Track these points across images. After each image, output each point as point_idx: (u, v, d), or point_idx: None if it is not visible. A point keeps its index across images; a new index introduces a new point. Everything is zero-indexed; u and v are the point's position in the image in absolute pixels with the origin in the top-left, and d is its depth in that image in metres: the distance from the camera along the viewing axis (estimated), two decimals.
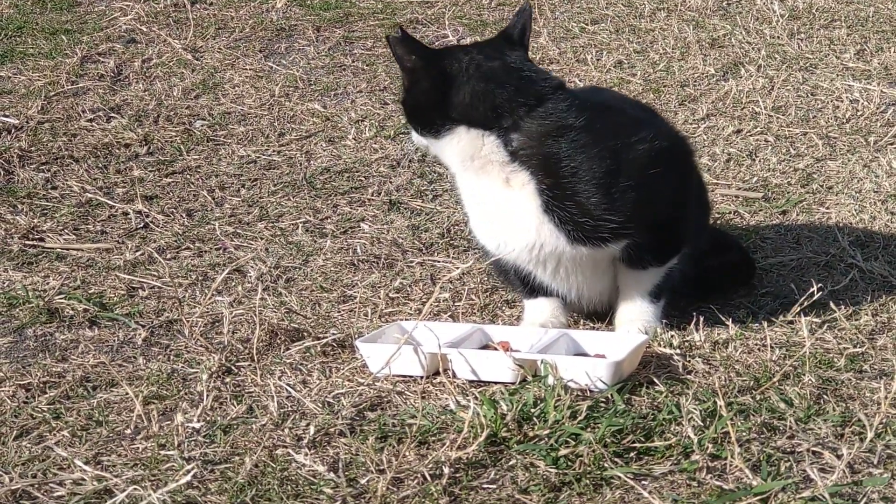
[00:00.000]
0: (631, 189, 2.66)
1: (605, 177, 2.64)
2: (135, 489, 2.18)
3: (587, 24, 5.42)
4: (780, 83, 4.62)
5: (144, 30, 5.38)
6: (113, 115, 4.45)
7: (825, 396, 2.52)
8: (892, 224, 3.47)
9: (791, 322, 2.85)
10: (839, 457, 2.25)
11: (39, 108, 4.48)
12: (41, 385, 2.66)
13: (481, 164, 2.68)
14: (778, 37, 5.17)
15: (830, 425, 2.39)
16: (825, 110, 4.38)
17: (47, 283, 3.20)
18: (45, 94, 4.61)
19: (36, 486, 2.25)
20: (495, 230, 2.75)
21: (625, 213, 2.66)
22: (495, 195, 2.71)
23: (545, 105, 2.66)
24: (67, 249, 3.47)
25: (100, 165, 4.05)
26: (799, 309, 2.81)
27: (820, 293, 2.76)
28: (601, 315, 2.95)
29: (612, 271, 2.83)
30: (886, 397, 2.40)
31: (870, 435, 2.29)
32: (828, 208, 3.62)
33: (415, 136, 2.79)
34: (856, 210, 3.57)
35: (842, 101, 4.41)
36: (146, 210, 3.71)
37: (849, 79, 4.64)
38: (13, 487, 2.24)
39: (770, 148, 4.08)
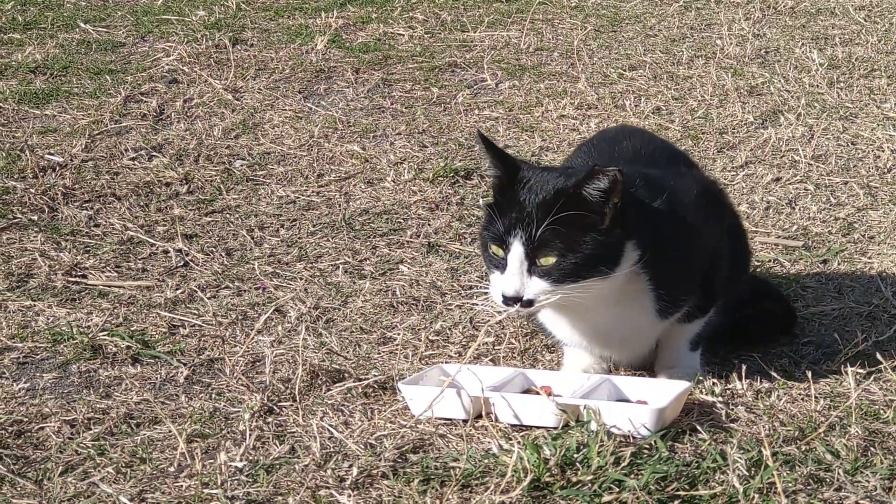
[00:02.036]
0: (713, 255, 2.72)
1: (689, 253, 2.71)
2: None
3: (625, 70, 5.44)
4: (820, 132, 4.62)
5: (186, 70, 5.43)
6: (154, 153, 4.49)
7: (872, 448, 2.50)
8: None
9: (835, 372, 2.83)
10: None
11: (83, 146, 4.52)
12: (86, 421, 2.67)
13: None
14: (817, 86, 5.18)
15: (879, 478, 2.37)
16: (866, 159, 4.38)
17: (90, 320, 3.22)
18: (89, 133, 4.66)
19: None
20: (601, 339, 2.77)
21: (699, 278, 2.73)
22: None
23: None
24: (109, 286, 3.49)
25: (141, 204, 4.08)
26: (844, 359, 2.80)
27: (864, 343, 2.75)
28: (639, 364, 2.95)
29: (655, 331, 2.82)
30: None
31: None
32: (870, 258, 3.61)
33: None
34: None
35: (883, 151, 4.40)
36: (186, 249, 3.73)
37: (890, 128, 4.64)
38: None
39: (810, 196, 4.08)
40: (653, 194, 2.70)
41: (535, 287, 2.59)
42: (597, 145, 3.02)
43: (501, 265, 2.61)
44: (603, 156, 2.92)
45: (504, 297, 2.59)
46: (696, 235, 2.73)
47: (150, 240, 3.80)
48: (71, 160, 4.38)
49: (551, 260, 2.56)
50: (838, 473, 2.37)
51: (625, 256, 2.61)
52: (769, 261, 3.63)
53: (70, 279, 3.51)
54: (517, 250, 2.58)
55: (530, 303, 2.59)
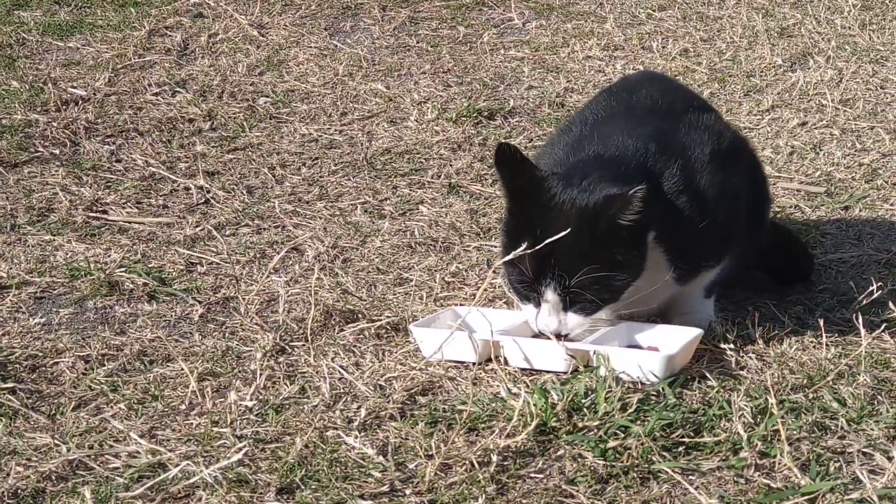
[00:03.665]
0: (725, 211, 2.70)
1: (704, 221, 2.66)
2: (188, 464, 2.21)
3: (654, 10, 5.39)
4: (849, 75, 4.57)
5: (212, 4, 5.42)
6: (178, 89, 4.50)
7: (879, 397, 2.50)
8: None
9: (848, 320, 2.83)
10: (890, 459, 2.23)
11: (106, 80, 4.53)
12: (100, 357, 2.70)
13: None
14: (849, 27, 5.11)
15: (883, 426, 2.37)
16: (894, 104, 4.33)
17: (108, 256, 3.25)
18: (113, 67, 4.67)
19: (92, 457, 2.29)
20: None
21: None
22: None
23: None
24: (129, 223, 3.51)
25: (164, 140, 4.10)
26: (857, 307, 2.79)
27: (879, 291, 2.74)
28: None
29: (672, 291, 2.81)
30: None
31: None
32: (892, 205, 3.58)
33: None
34: None
35: None
36: (207, 186, 3.75)
37: None
38: (70, 458, 2.28)
39: (835, 142, 4.04)
40: (665, 164, 2.67)
41: (573, 322, 2.58)
42: (616, 94, 2.99)
43: (534, 301, 2.59)
44: (621, 104, 2.90)
45: (542, 331, 2.60)
46: (711, 201, 2.69)
47: (171, 176, 3.82)
48: (94, 94, 4.40)
49: (587, 299, 2.55)
50: (843, 422, 2.37)
51: (647, 247, 2.60)
52: (791, 206, 3.61)
53: (90, 214, 3.53)
54: (551, 297, 2.55)
55: (568, 335, 2.60)
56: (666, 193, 2.64)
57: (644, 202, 2.47)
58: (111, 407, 2.50)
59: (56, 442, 2.34)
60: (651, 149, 2.68)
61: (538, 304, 2.58)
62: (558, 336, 2.58)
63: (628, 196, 2.47)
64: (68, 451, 2.31)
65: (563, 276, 2.51)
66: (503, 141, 2.55)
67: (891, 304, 2.80)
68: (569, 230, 2.47)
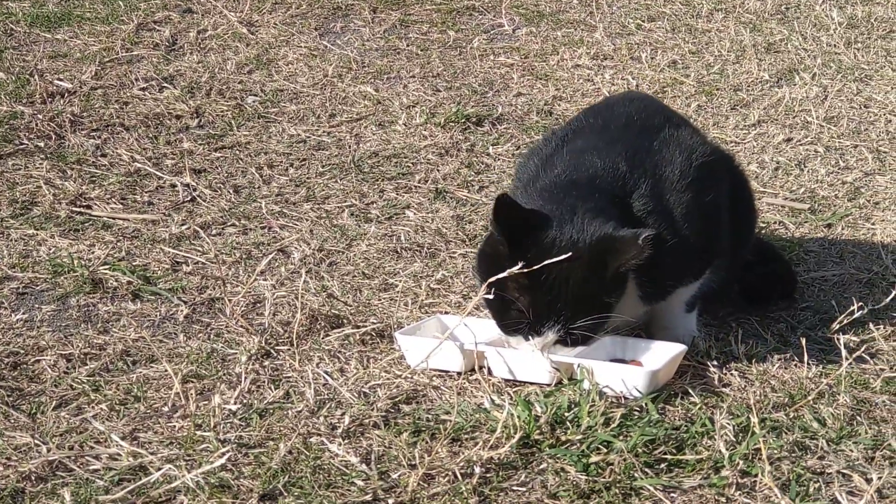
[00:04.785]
0: (698, 228, 2.69)
1: (672, 241, 2.66)
2: (169, 468, 2.21)
3: (643, 21, 5.40)
4: (834, 93, 4.60)
5: (201, 0, 5.40)
6: (166, 85, 4.48)
7: (858, 418, 2.51)
8: None
9: (830, 339, 2.84)
10: (868, 481, 2.25)
11: (93, 73, 4.51)
12: (82, 356, 2.70)
13: None
14: (835, 45, 5.14)
15: (862, 448, 2.39)
16: (877, 123, 4.36)
17: (92, 253, 3.24)
18: (100, 60, 4.65)
19: (72, 458, 2.29)
20: None
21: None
22: None
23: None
24: (114, 218, 3.50)
25: (150, 135, 4.09)
26: (838, 326, 2.80)
27: (860, 311, 2.76)
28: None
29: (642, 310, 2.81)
30: None
31: None
32: (873, 224, 3.60)
33: None
34: None
35: (895, 115, 4.38)
36: (194, 183, 3.74)
37: None
38: (50, 458, 2.28)
39: (819, 159, 4.07)
40: (636, 184, 2.67)
41: (566, 352, 2.59)
42: (595, 111, 3.00)
43: (526, 337, 2.57)
44: (598, 121, 2.90)
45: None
46: (682, 220, 2.68)
47: (157, 173, 3.81)
48: (80, 87, 4.38)
49: (584, 337, 2.56)
50: (823, 442, 2.39)
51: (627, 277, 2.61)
52: (775, 223, 3.63)
53: (74, 209, 3.52)
54: (550, 337, 2.55)
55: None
56: (636, 214, 2.65)
57: (641, 249, 2.47)
58: (93, 407, 2.49)
59: (36, 441, 2.33)
60: (621, 168, 2.68)
61: (528, 339, 2.58)
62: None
63: (639, 244, 2.47)
64: (48, 451, 2.31)
65: (568, 318, 2.51)
66: (503, 193, 2.53)
67: (871, 325, 2.82)
68: (569, 254, 2.47)
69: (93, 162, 3.86)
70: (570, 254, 2.47)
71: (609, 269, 2.51)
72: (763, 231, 3.52)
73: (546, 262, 2.46)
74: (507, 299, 2.53)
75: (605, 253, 2.51)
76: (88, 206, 3.56)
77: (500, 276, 2.46)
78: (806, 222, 3.63)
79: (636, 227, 2.56)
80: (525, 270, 2.44)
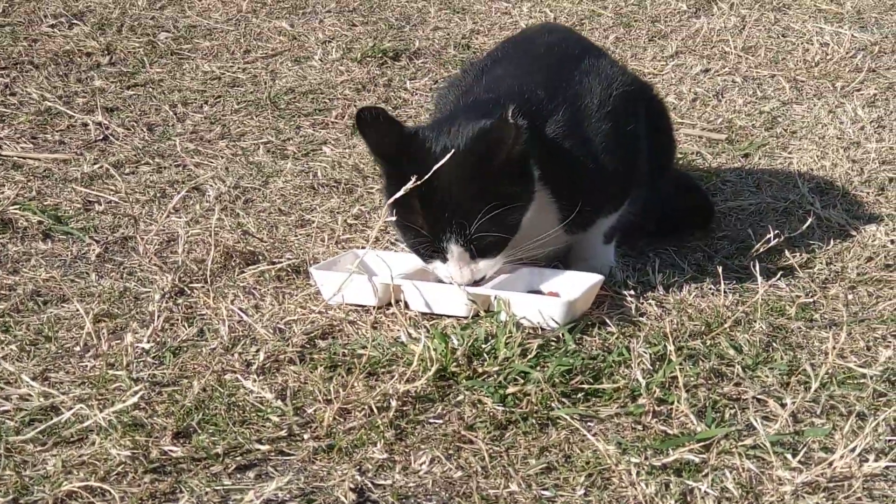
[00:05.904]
0: (617, 157, 2.67)
1: (588, 166, 2.65)
2: (81, 408, 2.17)
3: None
4: (752, 23, 4.60)
5: None
6: (75, 21, 4.38)
7: (774, 344, 2.53)
8: (853, 172, 3.48)
9: (746, 268, 2.86)
10: (783, 406, 2.26)
11: (1, 10, 4.40)
12: None
13: None
14: None
15: (777, 374, 2.40)
16: (795, 53, 4.37)
17: (2, 193, 3.17)
18: None
19: None
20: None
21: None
22: None
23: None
24: (24, 158, 3.43)
25: (60, 73, 4.00)
26: (755, 255, 2.82)
27: (776, 239, 2.77)
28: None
29: (564, 239, 2.80)
30: (834, 348, 2.42)
31: (814, 385, 2.30)
32: (790, 153, 3.62)
33: None
34: (818, 156, 3.58)
35: (812, 44, 4.40)
36: (106, 122, 3.67)
37: (821, 21, 4.62)
38: None
39: (737, 89, 4.08)
40: (553, 109, 2.65)
41: (485, 266, 2.57)
42: (514, 42, 2.98)
43: (439, 257, 2.56)
44: (517, 51, 2.88)
45: (457, 283, 2.57)
46: (600, 148, 2.68)
47: (68, 111, 3.73)
48: None
49: (491, 240, 2.53)
50: (739, 369, 2.40)
51: (533, 178, 2.59)
52: (692, 153, 3.63)
53: None
54: (455, 249, 2.52)
55: (483, 278, 2.58)
56: (549, 135, 2.63)
57: (518, 133, 2.44)
58: (2, 348, 2.44)
59: None
60: (539, 94, 2.66)
61: (444, 259, 2.56)
62: (476, 284, 2.57)
63: (497, 123, 2.45)
64: None
65: (461, 224, 2.50)
66: (365, 106, 2.48)
67: (787, 253, 2.84)
68: (453, 151, 2.44)
69: (1, 101, 3.77)
70: (450, 154, 2.44)
71: (494, 160, 2.48)
72: (681, 162, 3.53)
73: (431, 171, 2.42)
74: (408, 224, 2.51)
75: (483, 144, 2.48)
76: None
77: (395, 195, 2.43)
78: (723, 152, 3.64)
79: (549, 155, 2.55)
80: (411, 185, 2.41)
